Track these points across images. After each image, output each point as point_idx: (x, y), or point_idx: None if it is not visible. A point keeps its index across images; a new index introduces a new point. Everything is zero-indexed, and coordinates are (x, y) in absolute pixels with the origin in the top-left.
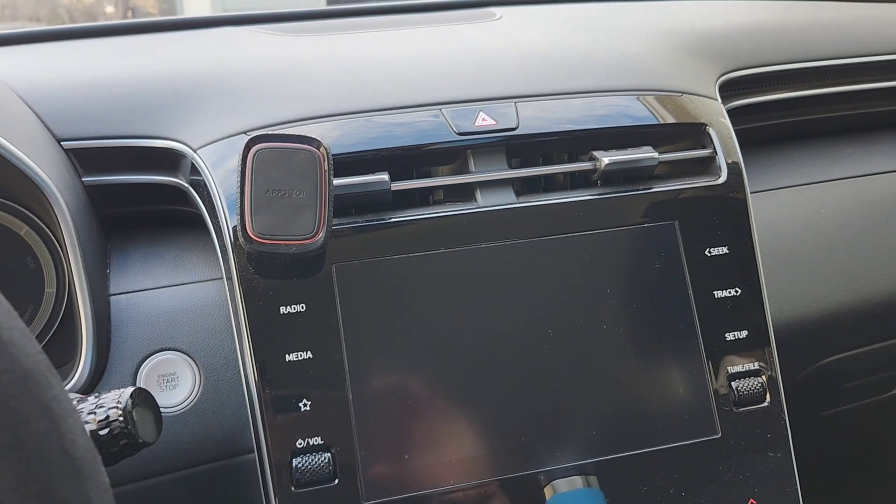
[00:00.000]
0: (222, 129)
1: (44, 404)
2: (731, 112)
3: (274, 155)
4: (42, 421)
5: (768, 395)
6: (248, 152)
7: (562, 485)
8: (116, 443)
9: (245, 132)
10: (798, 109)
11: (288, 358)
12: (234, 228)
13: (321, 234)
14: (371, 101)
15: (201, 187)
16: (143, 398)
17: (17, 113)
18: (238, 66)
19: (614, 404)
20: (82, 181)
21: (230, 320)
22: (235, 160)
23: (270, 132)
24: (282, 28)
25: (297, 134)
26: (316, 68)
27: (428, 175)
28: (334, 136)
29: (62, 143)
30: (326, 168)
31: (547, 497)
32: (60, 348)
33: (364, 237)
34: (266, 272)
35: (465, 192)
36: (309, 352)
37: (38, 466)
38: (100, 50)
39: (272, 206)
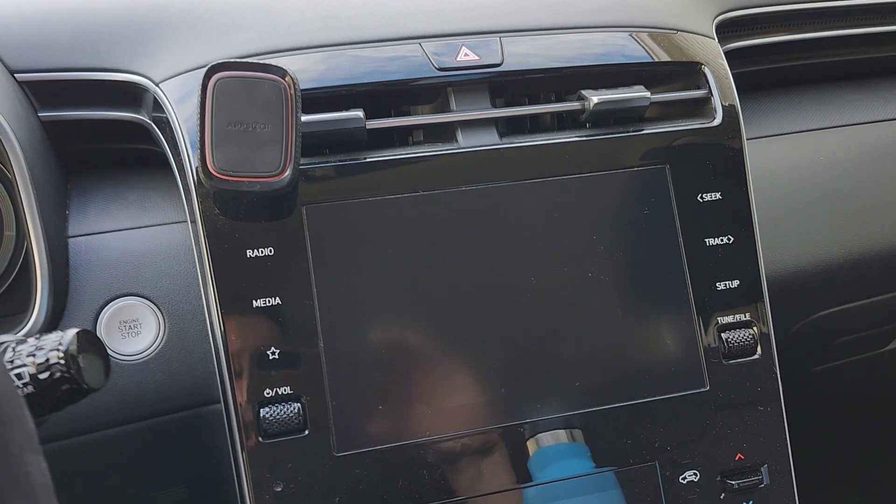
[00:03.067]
0: (186, 61)
1: None
2: (728, 54)
3: (236, 85)
4: None
5: (759, 348)
6: (208, 81)
7: (545, 439)
8: (58, 387)
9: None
10: (798, 54)
11: (255, 304)
12: (197, 168)
13: (288, 171)
14: (346, 34)
15: (164, 124)
16: (87, 340)
17: None
18: None
19: (600, 355)
20: (38, 116)
21: (195, 265)
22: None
23: (233, 60)
24: None
25: (262, 63)
26: None
27: (406, 114)
28: (306, 70)
29: (16, 75)
30: (293, 99)
31: (530, 451)
32: (21, 294)
33: (337, 178)
34: (232, 214)
35: (445, 132)
36: (277, 297)
37: None
38: None
39: (235, 140)
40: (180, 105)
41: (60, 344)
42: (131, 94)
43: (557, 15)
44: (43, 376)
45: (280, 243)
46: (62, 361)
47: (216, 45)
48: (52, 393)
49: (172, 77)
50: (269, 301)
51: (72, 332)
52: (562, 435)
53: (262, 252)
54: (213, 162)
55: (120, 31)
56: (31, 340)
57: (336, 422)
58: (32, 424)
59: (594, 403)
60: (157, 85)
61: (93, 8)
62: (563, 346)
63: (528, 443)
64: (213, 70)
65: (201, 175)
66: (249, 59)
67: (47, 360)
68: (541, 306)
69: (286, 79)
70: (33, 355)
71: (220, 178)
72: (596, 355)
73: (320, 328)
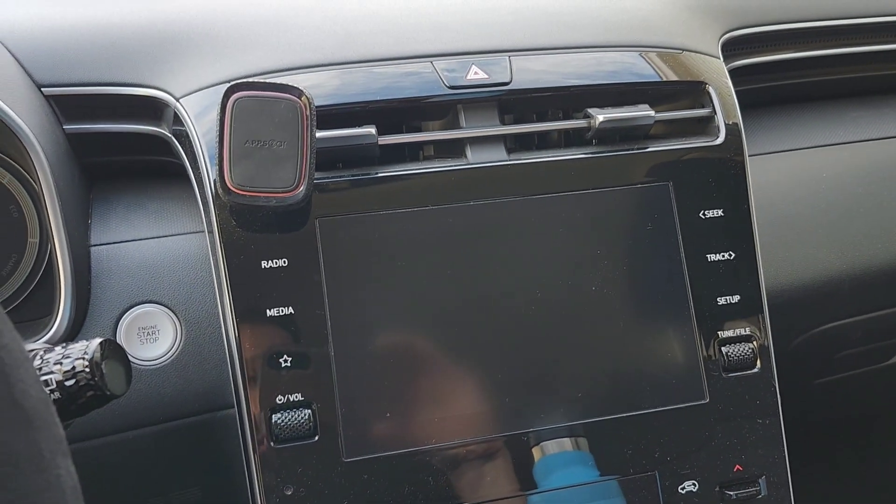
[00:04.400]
0: (206, 77)
1: None
2: (733, 72)
3: (254, 104)
4: None
5: (759, 361)
6: (227, 100)
7: (549, 447)
8: (83, 394)
9: (229, 81)
10: (803, 71)
11: (269, 313)
12: (215, 181)
13: (302, 188)
14: (359, 52)
15: (183, 137)
16: (111, 349)
17: None
18: (223, 13)
19: (602, 367)
20: (63, 129)
21: (212, 274)
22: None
23: (251, 80)
24: None
25: (279, 83)
26: (303, 17)
27: (417, 130)
28: (321, 87)
29: (42, 89)
30: (308, 118)
31: (534, 459)
32: (43, 299)
33: (349, 192)
34: (247, 226)
35: (455, 148)
36: (290, 307)
37: None
38: None
39: (252, 156)
40: (199, 120)
41: (86, 353)
42: (152, 109)
43: (565, 34)
44: (69, 383)
45: (294, 255)
46: (87, 369)
47: (234, 62)
48: (77, 399)
49: (192, 93)
50: (282, 310)
51: (96, 342)
52: (565, 444)
53: (276, 263)
54: (231, 177)
55: (142, 48)
56: (58, 349)
57: (345, 428)
58: (62, 430)
59: (596, 414)
60: (177, 100)
61: (116, 25)
62: (567, 358)
63: (531, 451)
64: (232, 89)
65: (220, 190)
66: (267, 79)
67: (73, 367)
68: (546, 318)
69: (302, 98)
70: (60, 363)
71: (238, 193)
72: (599, 367)
73: (331, 337)
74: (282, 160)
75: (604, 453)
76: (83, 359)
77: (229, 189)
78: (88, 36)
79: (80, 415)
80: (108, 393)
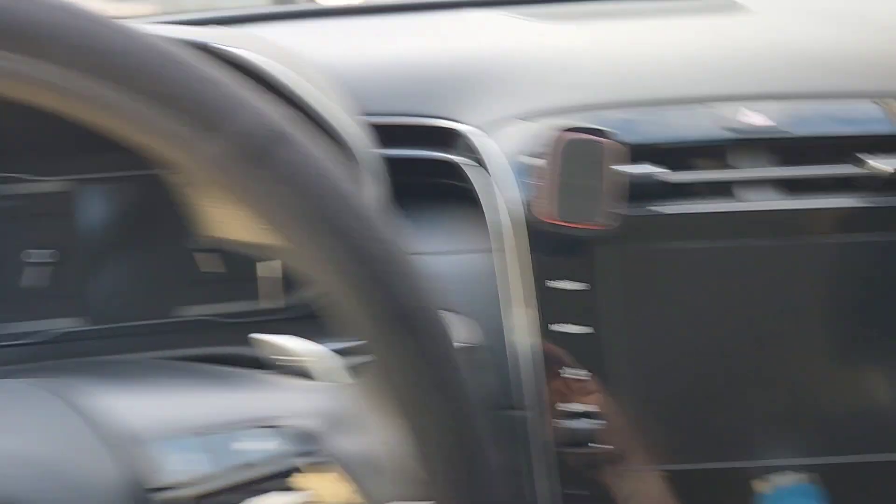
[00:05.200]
0: (499, 111)
1: None
2: None
3: (570, 142)
4: None
5: None
6: (553, 140)
7: (798, 481)
8: None
9: (519, 117)
10: None
11: (563, 330)
12: (513, 206)
13: (606, 220)
14: (639, 94)
15: (474, 165)
16: None
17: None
18: (511, 52)
19: (864, 407)
20: None
21: (498, 290)
22: (509, 142)
23: (569, 124)
24: (528, 13)
25: (592, 127)
26: (579, 58)
27: (688, 168)
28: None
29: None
30: (612, 155)
31: (781, 490)
32: None
33: (641, 225)
34: (546, 250)
35: (727, 189)
36: (586, 327)
37: None
38: (381, 28)
39: (565, 191)
40: (490, 149)
41: None
42: (448, 138)
43: (839, 80)
44: None
45: (594, 280)
46: None
47: (524, 99)
48: None
49: (485, 124)
50: (576, 329)
51: None
52: (815, 480)
53: (573, 286)
54: (549, 210)
55: (443, 84)
56: None
57: (627, 440)
58: None
59: (853, 452)
60: (472, 131)
61: (420, 63)
62: (829, 396)
63: (779, 483)
64: (557, 130)
65: (527, 216)
66: (577, 123)
67: None
68: (810, 360)
69: (606, 138)
70: None
71: (549, 223)
72: (861, 406)
73: (621, 356)
74: (589, 194)
75: (857, 495)
76: None
77: (540, 220)
78: (396, 72)
79: None
80: None
